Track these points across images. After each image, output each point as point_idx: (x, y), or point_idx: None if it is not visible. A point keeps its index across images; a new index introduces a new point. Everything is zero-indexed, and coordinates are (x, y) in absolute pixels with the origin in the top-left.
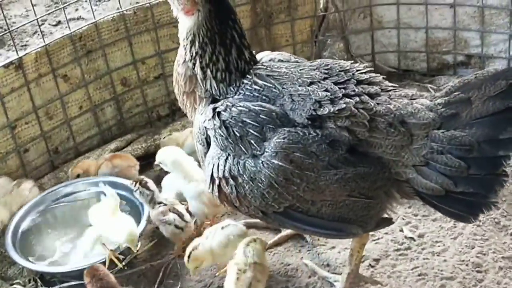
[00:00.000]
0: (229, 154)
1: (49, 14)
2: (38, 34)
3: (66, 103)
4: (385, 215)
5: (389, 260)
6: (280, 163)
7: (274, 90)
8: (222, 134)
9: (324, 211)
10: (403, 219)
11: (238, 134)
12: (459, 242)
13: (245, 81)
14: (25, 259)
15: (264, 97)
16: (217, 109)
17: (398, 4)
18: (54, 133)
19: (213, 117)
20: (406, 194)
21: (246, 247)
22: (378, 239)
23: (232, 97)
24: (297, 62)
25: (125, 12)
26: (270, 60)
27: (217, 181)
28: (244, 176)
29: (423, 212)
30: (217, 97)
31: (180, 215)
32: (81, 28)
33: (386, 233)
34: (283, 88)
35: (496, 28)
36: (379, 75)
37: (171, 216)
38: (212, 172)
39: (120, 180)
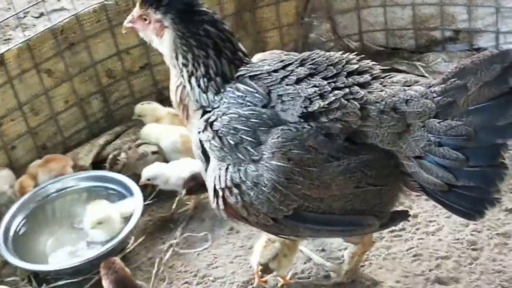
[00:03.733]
0: (228, 164)
1: (31, 6)
2: (21, 27)
3: (52, 98)
4: (400, 208)
5: (384, 242)
6: (278, 163)
7: (257, 95)
8: (216, 144)
9: (335, 206)
10: None
11: (232, 142)
12: (453, 220)
13: (228, 87)
14: (18, 258)
15: (248, 103)
16: (209, 120)
17: None
18: (41, 129)
19: (205, 128)
20: (412, 188)
21: None
22: None
23: (220, 106)
24: (281, 57)
25: (106, 2)
26: (254, 60)
27: (220, 193)
28: (247, 182)
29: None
30: (208, 109)
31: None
32: (62, 21)
33: None
34: (269, 89)
35: (483, 2)
36: (369, 61)
37: (141, 149)
38: (215, 184)
39: (111, 174)
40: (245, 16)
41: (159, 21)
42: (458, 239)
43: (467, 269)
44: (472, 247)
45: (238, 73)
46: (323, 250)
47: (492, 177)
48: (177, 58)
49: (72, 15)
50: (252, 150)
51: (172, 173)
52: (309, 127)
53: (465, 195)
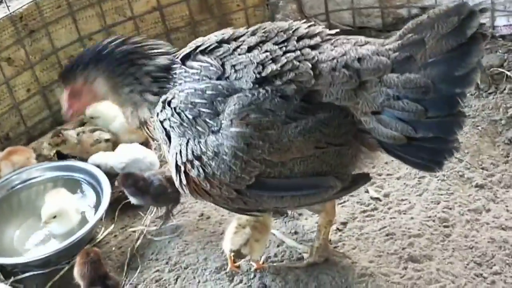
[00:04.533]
0: (189, 138)
1: None
2: None
3: (13, 87)
4: (362, 171)
5: (356, 223)
6: (237, 129)
7: (211, 68)
8: (175, 121)
9: (297, 170)
10: None
11: (191, 117)
12: (425, 198)
13: (178, 70)
14: None
15: (204, 77)
16: (167, 99)
17: None
18: (3, 119)
19: (163, 107)
20: (370, 146)
21: None
22: (344, 202)
23: (175, 87)
24: (233, 32)
25: None
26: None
27: (182, 168)
28: (208, 153)
29: (387, 171)
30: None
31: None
32: (21, 7)
33: (352, 196)
34: (223, 61)
35: None
36: (319, 26)
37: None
38: (176, 160)
39: (78, 163)
40: None
41: (85, 79)
42: (430, 217)
43: (440, 246)
44: (444, 224)
45: (188, 51)
46: (295, 233)
47: (451, 126)
48: (123, 92)
49: (32, 1)
50: (211, 122)
51: (113, 160)
52: (264, 91)
53: (424, 147)
